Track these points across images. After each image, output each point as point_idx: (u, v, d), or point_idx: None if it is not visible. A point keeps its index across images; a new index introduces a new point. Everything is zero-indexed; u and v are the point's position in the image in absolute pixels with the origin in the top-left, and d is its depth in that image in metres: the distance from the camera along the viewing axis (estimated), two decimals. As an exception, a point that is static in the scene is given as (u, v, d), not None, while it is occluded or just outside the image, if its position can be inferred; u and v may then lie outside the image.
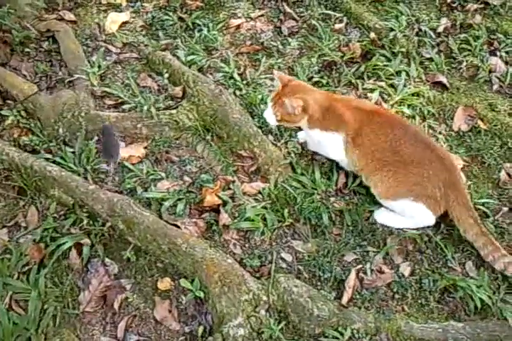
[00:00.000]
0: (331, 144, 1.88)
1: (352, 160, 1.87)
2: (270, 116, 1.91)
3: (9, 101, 2.31)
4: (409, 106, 2.29)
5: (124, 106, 2.29)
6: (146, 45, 2.60)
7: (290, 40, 2.58)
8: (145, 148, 2.20)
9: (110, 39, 2.65)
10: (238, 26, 2.69)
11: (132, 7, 2.76)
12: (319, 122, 1.85)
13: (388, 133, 1.79)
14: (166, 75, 2.39)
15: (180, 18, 2.71)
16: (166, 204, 1.90)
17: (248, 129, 2.13)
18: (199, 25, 2.67)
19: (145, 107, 2.23)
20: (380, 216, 1.90)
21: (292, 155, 2.05)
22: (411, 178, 1.77)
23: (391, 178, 1.78)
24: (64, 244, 1.83)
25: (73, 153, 2.14)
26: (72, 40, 2.54)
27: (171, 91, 2.37)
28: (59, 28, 2.59)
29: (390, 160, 1.79)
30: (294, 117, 1.84)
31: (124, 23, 2.71)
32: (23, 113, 2.28)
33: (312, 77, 2.38)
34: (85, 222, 1.90)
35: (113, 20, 2.70)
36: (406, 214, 1.84)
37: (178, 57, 2.47)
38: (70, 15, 2.71)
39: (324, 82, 2.35)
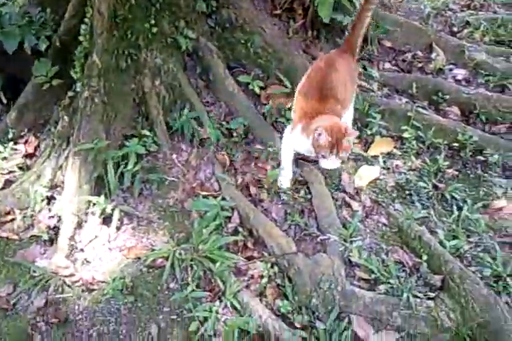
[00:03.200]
0: None
1: None
2: (336, 162, 2.10)
3: (264, 253, 2.24)
4: None
5: (380, 287, 2.13)
6: (396, 210, 2.46)
7: None
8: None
9: (358, 193, 2.55)
10: (500, 209, 2.48)
11: (384, 163, 2.67)
12: None
13: None
14: (425, 258, 2.22)
15: (435, 186, 2.56)
16: None
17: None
18: (455, 199, 2.51)
19: (405, 295, 2.06)
20: None
21: None
22: None
23: None
24: None
25: (324, 330, 1.99)
26: (325, 194, 2.49)
27: (428, 277, 2.18)
28: (313, 176, 2.54)
29: None
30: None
31: (375, 179, 2.61)
32: (276, 268, 2.19)
33: None
34: None
35: (364, 174, 2.61)
36: None
37: (437, 238, 2.29)
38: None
39: None
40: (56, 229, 2.34)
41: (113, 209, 2.36)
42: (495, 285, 2.14)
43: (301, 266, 2.16)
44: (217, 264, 2.18)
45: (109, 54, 2.39)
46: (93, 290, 2.13)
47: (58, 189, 2.47)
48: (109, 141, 2.41)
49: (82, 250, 2.25)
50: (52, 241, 2.32)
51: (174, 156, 2.68)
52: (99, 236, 2.30)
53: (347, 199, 2.51)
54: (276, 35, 2.88)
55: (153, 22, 2.46)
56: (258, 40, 2.83)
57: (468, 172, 2.66)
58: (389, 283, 2.15)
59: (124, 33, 2.41)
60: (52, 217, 2.36)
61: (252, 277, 2.22)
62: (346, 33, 2.62)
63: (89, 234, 2.29)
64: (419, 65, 3.13)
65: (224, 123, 2.80)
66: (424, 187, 2.55)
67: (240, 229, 2.35)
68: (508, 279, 2.14)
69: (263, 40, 2.84)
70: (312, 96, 2.26)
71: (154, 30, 2.50)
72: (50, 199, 2.43)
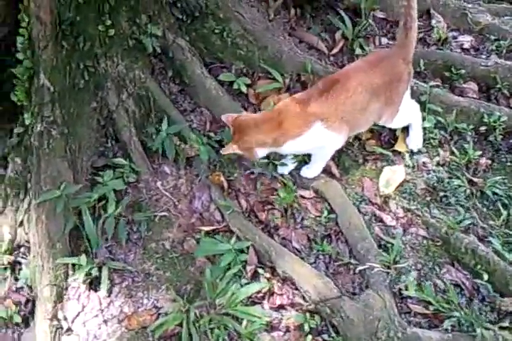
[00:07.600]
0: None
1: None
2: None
3: (300, 301, 1.83)
4: None
5: (444, 323, 1.76)
6: (435, 218, 2.08)
7: None
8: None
9: (386, 202, 2.15)
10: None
11: (410, 160, 2.26)
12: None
13: None
14: (486, 277, 1.87)
15: (471, 182, 2.19)
16: None
17: None
18: (498, 194, 2.14)
19: (478, 330, 1.71)
20: None
21: None
22: None
23: None
24: None
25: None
26: (351, 208, 2.08)
27: (497, 301, 1.83)
28: (332, 189, 2.11)
29: None
30: None
31: (402, 182, 2.21)
32: (316, 318, 1.79)
33: None
34: None
35: (388, 179, 2.21)
36: None
37: (492, 248, 1.94)
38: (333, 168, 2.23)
39: None
40: (30, 305, 1.82)
41: (100, 268, 1.86)
42: None
43: (350, 313, 1.76)
44: (244, 323, 1.75)
45: (61, 71, 1.83)
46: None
47: (22, 250, 1.93)
48: (79, 185, 1.87)
49: (69, 329, 1.76)
50: (27, 321, 1.80)
51: (158, 184, 2.17)
52: (88, 306, 1.81)
53: (377, 212, 2.10)
54: (256, 19, 2.37)
55: (108, 22, 1.91)
56: (235, 27, 2.32)
57: (503, 159, 2.29)
58: (452, 316, 1.77)
59: (74, 42, 1.84)
60: (21, 288, 1.84)
61: (288, 330, 1.81)
62: (398, 32, 2.13)
63: (75, 305, 1.79)
64: (420, 35, 2.68)
65: (211, 134, 2.29)
66: (460, 185, 2.17)
67: (261, 271, 1.91)
68: None
69: (241, 27, 2.33)
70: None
71: (111, 32, 1.94)
72: (13, 266, 1.90)
